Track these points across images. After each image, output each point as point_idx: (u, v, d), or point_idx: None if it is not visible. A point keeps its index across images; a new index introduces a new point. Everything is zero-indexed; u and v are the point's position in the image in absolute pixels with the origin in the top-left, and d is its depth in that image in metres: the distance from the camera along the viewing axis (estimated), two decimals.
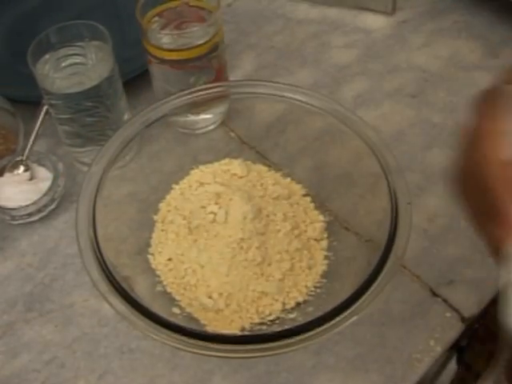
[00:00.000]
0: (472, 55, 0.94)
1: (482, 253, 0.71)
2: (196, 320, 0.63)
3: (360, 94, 0.89)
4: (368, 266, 0.58)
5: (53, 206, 0.77)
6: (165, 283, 0.66)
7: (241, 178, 0.73)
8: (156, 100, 0.71)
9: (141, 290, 0.61)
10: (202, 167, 0.75)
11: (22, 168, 0.78)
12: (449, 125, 0.85)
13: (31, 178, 0.78)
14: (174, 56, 0.76)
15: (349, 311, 0.54)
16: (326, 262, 0.68)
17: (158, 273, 0.67)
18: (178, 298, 0.65)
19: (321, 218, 0.71)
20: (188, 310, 0.64)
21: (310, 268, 0.67)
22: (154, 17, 0.78)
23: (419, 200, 0.76)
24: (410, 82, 0.90)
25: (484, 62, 0.93)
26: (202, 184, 0.73)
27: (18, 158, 0.79)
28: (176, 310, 0.63)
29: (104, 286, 0.57)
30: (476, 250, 0.71)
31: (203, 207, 0.68)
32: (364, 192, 0.68)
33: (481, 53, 0.94)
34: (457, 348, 0.72)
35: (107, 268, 0.58)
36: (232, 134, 0.82)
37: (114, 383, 0.64)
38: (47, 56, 0.76)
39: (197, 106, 0.71)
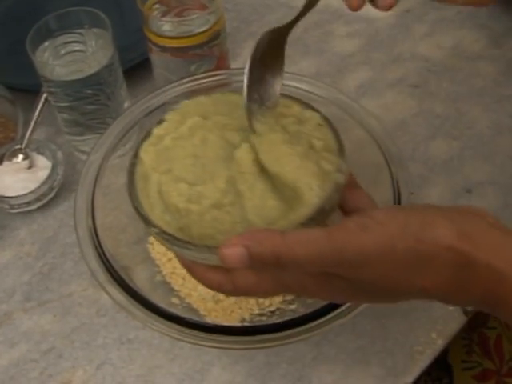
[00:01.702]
0: (475, 45, 0.93)
1: None
2: (195, 310, 0.63)
3: (363, 83, 0.89)
4: None
5: (52, 195, 0.77)
6: (164, 273, 0.65)
7: None
8: (156, 88, 0.70)
9: (140, 280, 0.60)
10: None
11: (20, 156, 0.78)
12: (452, 115, 0.84)
13: (30, 167, 0.77)
14: (174, 43, 0.75)
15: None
16: None
17: (157, 262, 0.66)
18: (177, 288, 0.64)
19: None
20: (187, 300, 0.63)
21: None
22: (155, 4, 0.77)
23: (422, 190, 0.75)
24: (413, 72, 0.90)
25: (487, 52, 0.92)
26: None
27: (17, 147, 0.78)
28: (175, 301, 0.63)
29: (103, 276, 0.57)
30: None
31: None
32: (367, 182, 0.67)
33: (484, 43, 0.93)
34: None
35: (106, 258, 0.58)
36: None
37: (113, 373, 0.64)
38: (46, 43, 0.75)
39: (197, 95, 0.71)
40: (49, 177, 0.76)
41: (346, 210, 0.55)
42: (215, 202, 0.49)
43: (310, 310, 0.54)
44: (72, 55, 0.76)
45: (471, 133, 0.82)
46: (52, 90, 0.75)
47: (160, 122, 0.57)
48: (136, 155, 0.55)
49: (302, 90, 0.70)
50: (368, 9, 0.98)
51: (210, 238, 0.49)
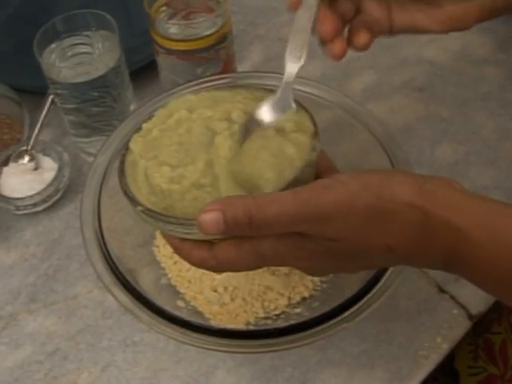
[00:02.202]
0: (482, 49, 0.93)
1: None
2: (201, 314, 0.63)
3: (368, 87, 0.89)
4: None
5: (57, 197, 0.77)
6: (169, 276, 0.66)
7: None
8: (163, 91, 0.70)
9: (145, 283, 0.60)
10: None
11: (26, 158, 0.78)
12: (457, 119, 0.84)
13: (36, 168, 0.78)
14: (181, 46, 0.75)
15: (355, 307, 0.54)
16: None
17: (162, 265, 0.66)
18: (182, 291, 0.64)
19: None
20: (192, 303, 0.63)
21: None
22: (162, 6, 0.77)
23: None
24: (419, 76, 0.90)
25: (494, 56, 0.92)
26: None
27: (23, 148, 0.78)
28: (180, 304, 0.63)
29: (108, 278, 0.57)
30: None
31: None
32: None
33: (490, 47, 0.93)
34: None
35: (111, 260, 0.58)
36: None
37: (118, 376, 0.64)
38: (53, 45, 0.75)
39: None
40: (55, 178, 0.76)
41: None
42: (194, 181, 0.52)
43: (316, 314, 0.54)
44: (79, 57, 0.76)
45: (477, 137, 0.82)
46: (58, 91, 0.75)
47: (150, 117, 0.60)
48: (127, 146, 0.58)
49: (308, 93, 0.70)
50: None
51: (192, 216, 0.50)
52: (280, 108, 0.55)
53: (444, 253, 0.45)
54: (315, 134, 0.55)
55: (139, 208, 0.53)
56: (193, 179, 0.52)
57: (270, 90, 0.58)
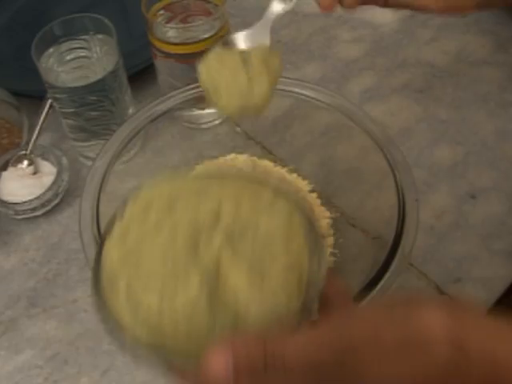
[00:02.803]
0: (481, 50, 0.93)
1: (490, 250, 0.71)
2: None
3: (367, 89, 0.89)
4: (375, 263, 0.57)
5: (57, 201, 0.77)
6: None
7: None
8: (161, 94, 0.71)
9: None
10: (207, 162, 0.75)
11: (25, 162, 0.78)
12: (456, 120, 0.84)
13: (35, 173, 0.78)
14: (179, 50, 0.75)
15: None
16: (331, 259, 0.67)
17: None
18: None
19: (327, 214, 0.71)
20: None
21: None
22: (160, 10, 0.77)
23: (426, 197, 0.75)
24: (418, 78, 0.90)
25: (493, 58, 0.92)
26: None
27: (22, 152, 0.78)
28: None
29: None
30: (484, 248, 0.71)
31: None
32: (371, 188, 0.67)
33: (490, 48, 0.93)
34: None
35: None
36: (238, 129, 0.81)
37: (118, 380, 0.64)
38: (51, 49, 0.75)
39: (202, 101, 0.71)
40: (54, 183, 0.76)
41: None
42: (189, 299, 0.43)
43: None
44: (77, 61, 0.76)
45: (476, 138, 0.82)
46: (57, 96, 0.75)
47: (121, 215, 0.49)
48: (99, 253, 0.48)
49: (306, 96, 0.70)
50: (372, 14, 0.99)
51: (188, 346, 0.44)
52: (253, 40, 0.54)
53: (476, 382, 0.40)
54: (317, 250, 0.47)
55: (128, 340, 0.45)
56: (187, 311, 0.43)
57: (252, 178, 0.51)
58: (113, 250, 0.47)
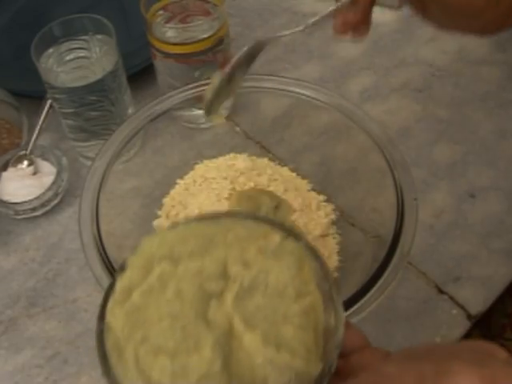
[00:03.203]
0: (480, 50, 0.93)
1: (489, 249, 0.71)
2: None
3: (366, 88, 0.89)
4: (374, 262, 0.58)
5: (56, 201, 0.77)
6: None
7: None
8: (160, 94, 0.71)
9: None
10: (206, 162, 0.75)
11: (25, 162, 0.78)
12: (455, 120, 0.84)
13: (35, 173, 0.78)
14: (178, 50, 0.76)
15: (354, 308, 0.54)
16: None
17: None
18: None
19: (328, 212, 0.71)
20: None
21: None
22: (159, 10, 0.77)
23: (425, 196, 0.75)
24: (417, 77, 0.90)
25: (492, 57, 0.92)
26: (206, 179, 0.72)
27: (22, 153, 0.78)
28: None
29: (107, 282, 0.57)
30: (483, 247, 0.71)
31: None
32: (370, 187, 0.67)
33: (489, 47, 0.93)
34: None
35: (110, 263, 0.58)
36: (237, 129, 0.81)
37: None
38: (51, 50, 0.76)
39: (201, 101, 0.71)
40: (53, 183, 0.76)
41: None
42: (204, 373, 0.42)
43: None
44: (76, 62, 0.76)
45: (475, 137, 0.82)
46: (56, 96, 0.75)
47: (122, 267, 0.47)
48: (102, 317, 0.46)
49: (305, 95, 0.70)
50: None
51: None
52: None
53: None
54: (334, 302, 0.45)
55: None
56: (201, 372, 0.42)
57: (258, 219, 0.49)
58: (116, 312, 0.45)
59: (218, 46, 0.77)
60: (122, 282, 0.46)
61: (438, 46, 0.94)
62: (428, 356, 0.41)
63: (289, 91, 0.71)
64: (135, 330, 0.44)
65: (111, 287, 0.47)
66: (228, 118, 0.82)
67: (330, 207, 0.71)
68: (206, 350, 0.42)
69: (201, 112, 0.78)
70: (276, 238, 0.47)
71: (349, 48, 0.94)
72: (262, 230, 0.47)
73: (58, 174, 0.77)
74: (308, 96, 0.70)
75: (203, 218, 0.50)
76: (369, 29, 0.60)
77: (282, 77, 0.72)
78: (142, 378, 0.43)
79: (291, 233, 0.47)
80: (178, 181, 0.73)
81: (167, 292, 0.45)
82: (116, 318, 0.45)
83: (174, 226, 0.49)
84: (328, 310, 0.44)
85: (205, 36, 0.75)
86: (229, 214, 0.50)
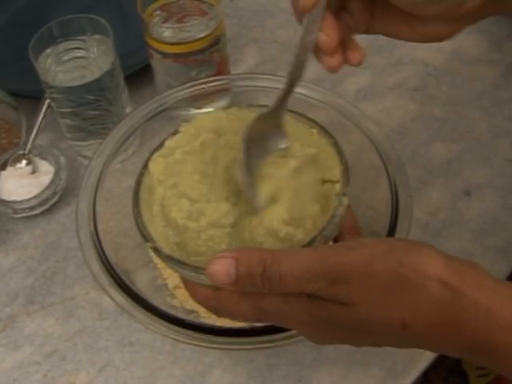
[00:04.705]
0: (476, 49, 0.93)
1: (484, 247, 0.71)
2: (196, 313, 0.63)
3: (362, 87, 0.89)
4: None
5: (55, 200, 0.77)
6: (165, 276, 0.66)
7: None
8: (157, 93, 0.71)
9: (141, 284, 0.60)
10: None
11: (24, 162, 0.79)
12: (451, 118, 0.84)
13: (33, 172, 0.78)
14: (175, 50, 0.76)
15: None
16: None
17: (158, 266, 0.67)
18: (178, 291, 0.65)
19: None
20: (187, 303, 0.64)
21: None
22: (156, 10, 0.78)
23: (421, 194, 0.76)
24: (413, 76, 0.90)
25: (488, 56, 0.92)
26: None
27: (21, 152, 0.79)
28: (176, 303, 0.63)
29: (105, 280, 0.57)
30: (478, 244, 0.71)
31: None
32: (365, 185, 0.68)
33: (485, 47, 0.94)
34: None
35: (108, 262, 0.58)
36: None
37: (115, 376, 0.65)
38: (49, 50, 0.76)
39: (198, 100, 0.71)
40: (52, 182, 0.77)
41: None
42: (213, 221, 0.50)
43: None
44: (74, 61, 0.77)
45: (470, 136, 0.82)
46: (54, 96, 0.76)
47: (174, 133, 0.57)
48: (146, 165, 0.55)
49: (302, 94, 0.70)
50: None
51: (204, 256, 0.49)
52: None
53: (471, 338, 0.41)
54: (345, 183, 0.54)
55: (149, 245, 0.52)
56: (212, 219, 0.50)
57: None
58: (158, 161, 0.54)
59: (214, 45, 0.77)
60: (170, 142, 0.56)
61: (434, 46, 0.93)
62: (406, 240, 0.47)
63: None
64: (169, 177, 0.53)
65: (160, 145, 0.56)
66: None
67: None
68: (224, 204, 0.50)
69: (198, 111, 0.79)
70: (312, 130, 0.58)
71: None
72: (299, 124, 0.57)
73: (57, 173, 0.77)
74: (304, 95, 0.70)
75: (253, 106, 0.60)
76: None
77: (278, 76, 0.72)
78: (162, 213, 0.51)
79: (323, 129, 0.58)
80: None
81: (205, 155, 0.53)
82: (156, 165, 0.54)
83: (227, 108, 0.59)
84: (341, 198, 0.53)
85: (201, 36, 0.76)
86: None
